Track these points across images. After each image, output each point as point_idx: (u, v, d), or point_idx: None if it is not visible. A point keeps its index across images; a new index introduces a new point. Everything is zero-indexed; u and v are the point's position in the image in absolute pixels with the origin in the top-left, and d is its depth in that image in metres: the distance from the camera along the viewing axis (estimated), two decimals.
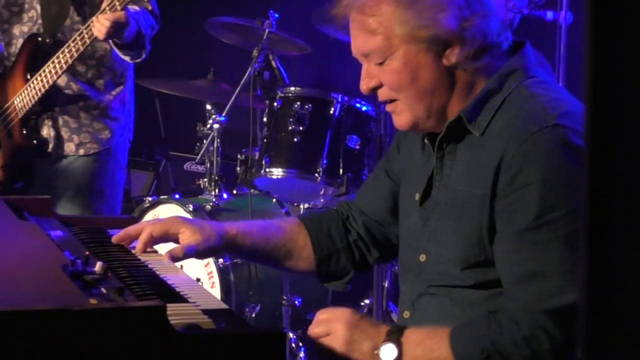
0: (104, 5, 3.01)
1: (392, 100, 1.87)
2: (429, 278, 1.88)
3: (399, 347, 1.75)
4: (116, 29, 3.01)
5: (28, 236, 2.09)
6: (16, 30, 3.34)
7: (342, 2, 1.84)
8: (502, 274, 1.77)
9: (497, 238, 1.77)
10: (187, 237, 2.05)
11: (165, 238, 2.10)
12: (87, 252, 1.90)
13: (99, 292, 1.67)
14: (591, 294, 0.67)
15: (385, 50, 1.80)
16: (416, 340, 1.76)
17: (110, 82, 3.38)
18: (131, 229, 2.12)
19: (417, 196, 1.92)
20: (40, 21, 3.28)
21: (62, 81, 3.30)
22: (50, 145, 3.38)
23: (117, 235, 2.11)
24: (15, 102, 3.31)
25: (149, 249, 2.09)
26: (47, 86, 3.21)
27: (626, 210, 0.64)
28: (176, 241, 2.08)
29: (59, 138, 3.36)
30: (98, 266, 1.77)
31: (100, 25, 3.00)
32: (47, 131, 3.36)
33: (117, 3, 2.98)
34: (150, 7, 3.24)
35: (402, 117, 1.86)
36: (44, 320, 1.40)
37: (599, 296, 0.68)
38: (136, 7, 3.19)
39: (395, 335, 1.76)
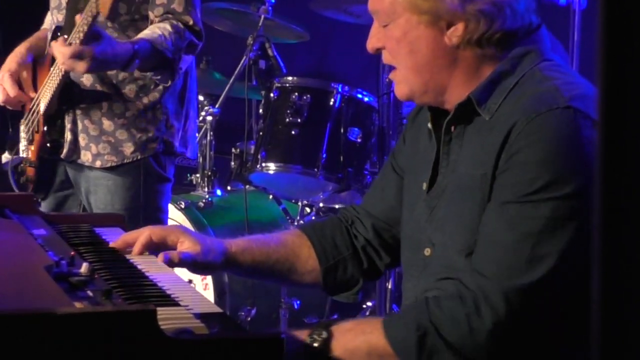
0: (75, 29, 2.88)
1: (393, 67, 1.92)
2: (435, 272, 1.88)
3: (329, 331, 1.78)
4: (88, 64, 2.83)
5: (10, 235, 2.09)
6: (54, 16, 3.27)
7: None
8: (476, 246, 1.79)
9: (484, 212, 1.79)
10: (187, 247, 2.06)
11: (164, 244, 2.09)
12: (72, 253, 1.90)
13: (85, 294, 1.67)
14: (604, 289, 0.67)
15: (389, 14, 1.86)
16: (347, 326, 1.80)
17: (142, 88, 3.20)
18: (129, 236, 2.11)
19: (425, 185, 1.93)
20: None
21: (88, 81, 3.15)
22: (64, 150, 3.26)
23: (115, 243, 2.10)
24: (40, 95, 3.24)
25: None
26: (56, 84, 3.12)
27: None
28: (174, 250, 2.09)
29: (75, 144, 3.22)
30: (84, 267, 1.77)
31: (57, 54, 2.89)
32: (67, 134, 3.25)
33: (77, 35, 2.85)
34: (191, 22, 3.10)
35: (399, 87, 1.92)
36: (26, 325, 1.39)
37: (612, 292, 0.68)
38: (166, 26, 3.05)
39: (324, 323, 1.81)
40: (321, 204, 4.23)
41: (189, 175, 4.67)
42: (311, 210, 4.30)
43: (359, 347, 1.76)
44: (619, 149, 0.64)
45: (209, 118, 4.40)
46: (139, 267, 1.99)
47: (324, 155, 3.95)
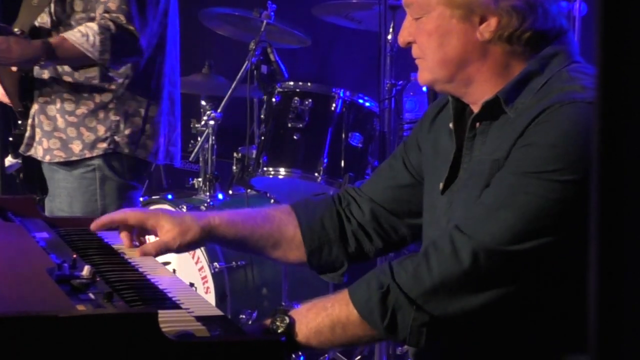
0: None
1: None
2: None
3: (290, 316, 1.77)
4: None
5: (12, 238, 2.09)
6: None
7: None
8: None
9: None
10: (165, 231, 2.08)
11: (143, 228, 2.14)
12: (74, 255, 1.90)
13: (87, 297, 1.67)
14: (603, 291, 0.67)
15: (422, 6, 1.85)
16: (307, 306, 1.80)
17: (97, 88, 3.21)
18: (114, 214, 2.17)
19: (441, 185, 1.93)
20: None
21: (47, 76, 3.21)
22: (23, 145, 3.28)
23: (99, 220, 2.17)
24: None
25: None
26: (15, 80, 3.18)
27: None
28: (155, 234, 2.14)
29: (33, 139, 3.27)
30: (86, 270, 1.77)
31: None
32: (27, 129, 3.29)
33: None
34: (124, 20, 3.09)
35: (423, 74, 1.91)
36: (29, 328, 1.39)
37: (610, 295, 0.68)
38: (93, 26, 3.04)
39: (283, 309, 1.80)
40: None
41: (191, 179, 4.67)
42: None
43: (321, 323, 1.76)
44: (617, 152, 0.64)
45: (211, 122, 4.40)
46: (140, 269, 1.99)
47: (325, 160, 3.95)
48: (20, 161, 3.38)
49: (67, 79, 3.19)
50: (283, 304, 4.09)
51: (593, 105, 1.75)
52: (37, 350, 1.40)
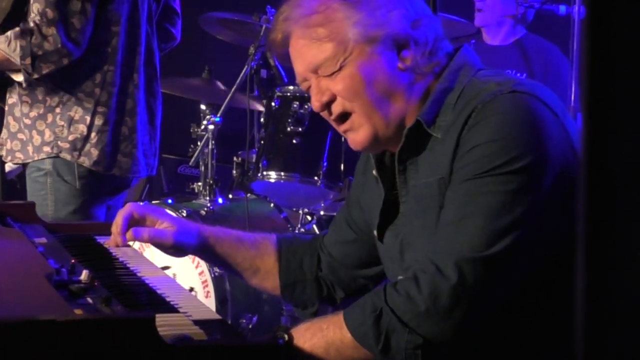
0: None
1: (345, 118, 1.86)
2: None
3: (289, 333, 1.78)
4: None
5: (11, 243, 2.10)
6: None
7: (281, 23, 1.86)
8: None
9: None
10: (164, 227, 2.11)
11: (143, 222, 2.13)
12: (72, 260, 1.91)
13: (85, 302, 1.68)
14: (591, 295, 0.68)
15: (338, 56, 1.82)
16: (305, 325, 1.80)
17: (49, 92, 3.22)
18: (122, 216, 2.13)
19: (375, 232, 1.95)
20: None
21: (18, 77, 3.20)
22: None
23: (112, 239, 2.14)
24: None
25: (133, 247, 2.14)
26: None
27: (628, 209, 0.65)
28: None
29: (4, 138, 3.34)
30: (84, 275, 1.78)
31: None
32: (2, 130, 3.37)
33: None
34: (43, 25, 3.08)
35: (360, 132, 1.86)
36: (27, 332, 1.40)
37: (598, 300, 0.68)
38: (16, 30, 3.08)
39: (284, 327, 1.82)
40: (322, 212, 4.23)
41: (191, 183, 4.68)
42: (312, 219, 4.30)
43: (316, 344, 1.76)
44: (604, 161, 0.64)
45: (211, 127, 4.40)
46: (139, 274, 1.99)
47: (325, 164, 3.95)
48: (20, 166, 3.40)
49: (27, 82, 3.21)
50: (284, 308, 4.10)
51: (515, 94, 1.80)
52: (36, 355, 1.41)
